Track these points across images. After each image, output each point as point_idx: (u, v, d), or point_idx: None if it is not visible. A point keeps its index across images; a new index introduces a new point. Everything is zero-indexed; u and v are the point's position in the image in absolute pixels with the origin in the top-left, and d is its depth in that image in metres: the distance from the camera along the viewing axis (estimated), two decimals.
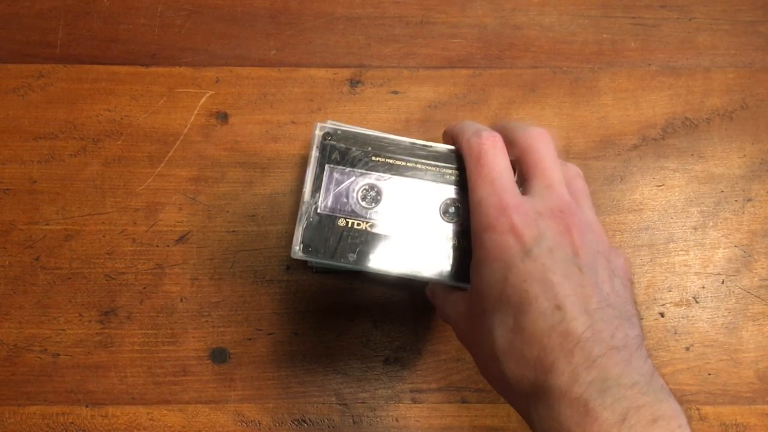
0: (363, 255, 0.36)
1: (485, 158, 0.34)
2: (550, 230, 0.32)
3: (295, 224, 0.37)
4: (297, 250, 0.36)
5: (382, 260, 0.37)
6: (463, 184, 0.37)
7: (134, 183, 0.46)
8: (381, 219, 0.37)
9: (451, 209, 0.37)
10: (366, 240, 0.37)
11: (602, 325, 0.29)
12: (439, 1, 0.49)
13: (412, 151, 0.37)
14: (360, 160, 0.37)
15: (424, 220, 0.37)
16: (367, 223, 0.37)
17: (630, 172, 0.47)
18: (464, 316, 0.34)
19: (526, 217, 0.32)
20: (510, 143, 0.35)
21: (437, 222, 0.37)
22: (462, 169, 0.37)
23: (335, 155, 0.37)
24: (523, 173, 0.35)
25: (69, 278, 0.45)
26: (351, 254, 0.37)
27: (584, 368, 0.28)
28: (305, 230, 0.37)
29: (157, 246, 0.46)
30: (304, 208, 0.37)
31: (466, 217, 0.37)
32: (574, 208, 0.33)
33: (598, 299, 0.30)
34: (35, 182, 0.46)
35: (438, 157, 0.38)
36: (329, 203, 0.37)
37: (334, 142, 0.37)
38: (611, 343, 0.29)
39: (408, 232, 0.37)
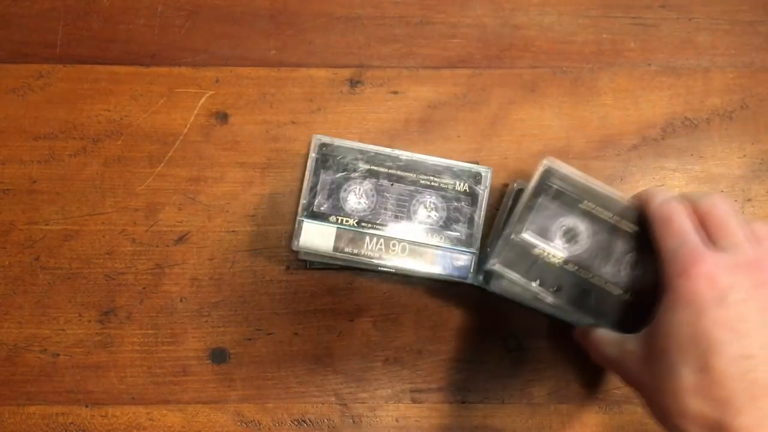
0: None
1: (675, 219, 0.37)
2: (744, 283, 0.34)
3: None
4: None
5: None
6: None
7: (134, 183, 0.46)
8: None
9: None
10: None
11: None
12: (439, 1, 0.49)
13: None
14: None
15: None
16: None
17: (630, 172, 0.47)
18: (638, 356, 0.36)
19: (719, 267, 0.34)
20: (693, 210, 0.37)
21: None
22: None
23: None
24: (710, 235, 0.36)
25: (69, 278, 0.45)
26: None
27: None
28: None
29: (157, 246, 0.46)
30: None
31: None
32: (766, 263, 0.35)
33: None
34: (35, 182, 0.46)
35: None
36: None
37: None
38: None
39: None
